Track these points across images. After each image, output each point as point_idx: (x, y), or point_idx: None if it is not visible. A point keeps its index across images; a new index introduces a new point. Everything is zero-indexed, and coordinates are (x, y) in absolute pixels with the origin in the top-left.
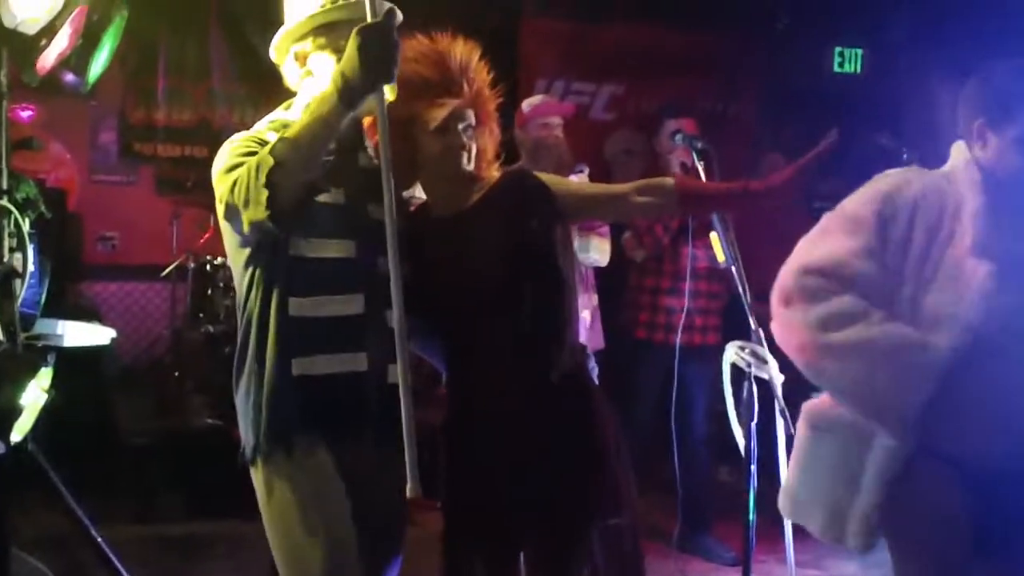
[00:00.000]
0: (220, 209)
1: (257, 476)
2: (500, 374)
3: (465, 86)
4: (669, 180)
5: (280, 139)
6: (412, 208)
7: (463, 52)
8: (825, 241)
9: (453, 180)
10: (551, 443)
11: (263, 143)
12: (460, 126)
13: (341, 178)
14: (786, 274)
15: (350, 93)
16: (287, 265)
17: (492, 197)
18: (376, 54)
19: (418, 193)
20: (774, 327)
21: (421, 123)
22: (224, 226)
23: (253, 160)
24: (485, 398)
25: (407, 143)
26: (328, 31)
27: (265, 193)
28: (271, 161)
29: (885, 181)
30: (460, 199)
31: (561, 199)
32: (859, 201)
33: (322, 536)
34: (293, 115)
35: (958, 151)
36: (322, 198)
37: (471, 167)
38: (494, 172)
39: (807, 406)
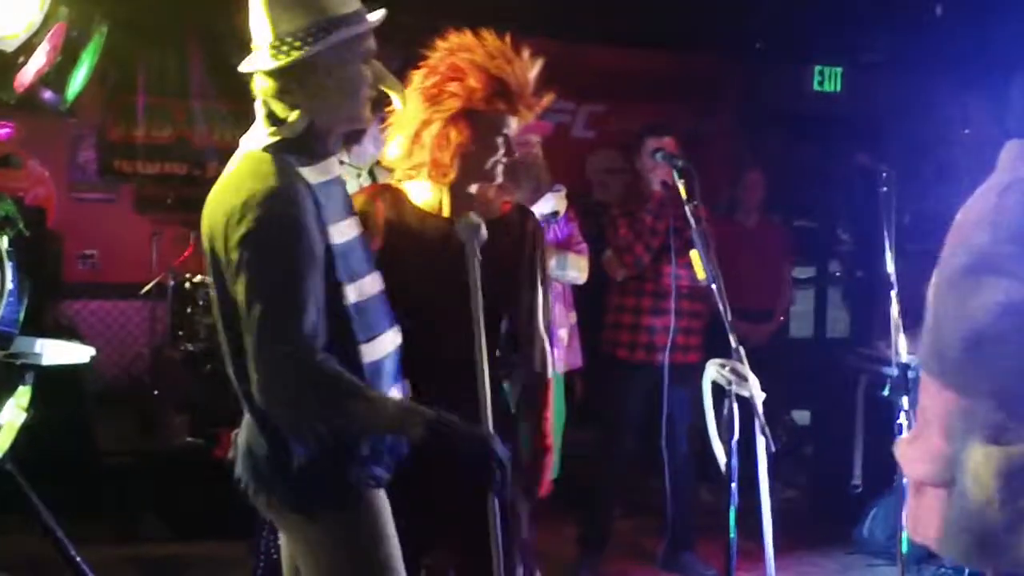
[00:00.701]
0: (239, 295)
1: (309, 526)
2: (464, 390)
3: (514, 109)
4: None
5: (350, 410)
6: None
7: (528, 71)
8: None
9: (465, 190)
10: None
11: (291, 217)
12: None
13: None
14: None
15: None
16: (343, 318)
17: (505, 222)
18: (470, 457)
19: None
20: None
21: (492, 125)
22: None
23: (318, 390)
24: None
25: (464, 135)
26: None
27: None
28: (338, 418)
29: None
30: (444, 206)
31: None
32: None
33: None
34: (295, 128)
35: None
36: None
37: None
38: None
39: None
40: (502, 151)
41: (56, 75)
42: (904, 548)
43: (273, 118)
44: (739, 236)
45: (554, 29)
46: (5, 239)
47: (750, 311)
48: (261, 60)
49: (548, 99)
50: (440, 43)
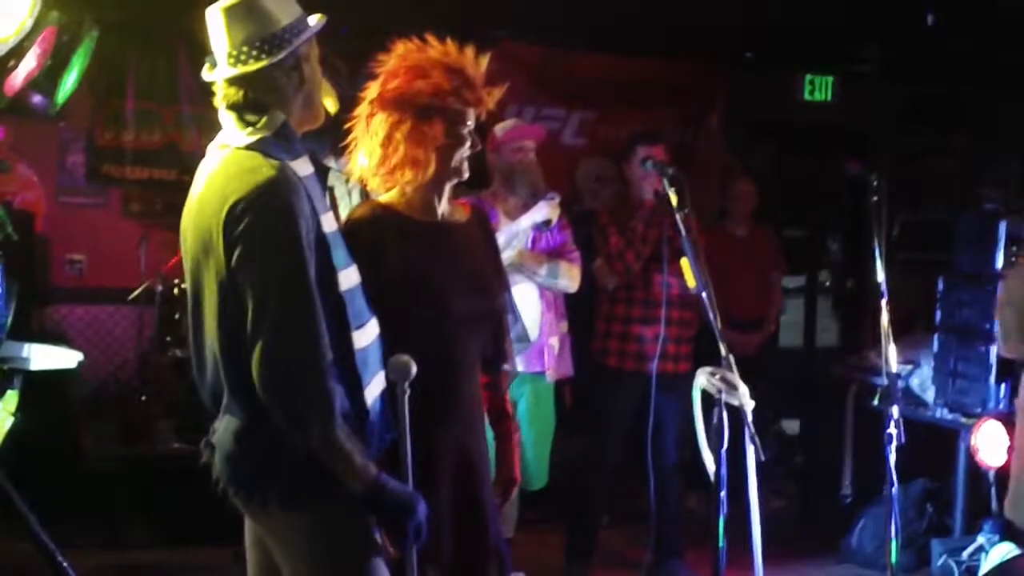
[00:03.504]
0: (245, 287)
1: (295, 522)
2: (465, 389)
3: (478, 99)
4: None
5: (326, 433)
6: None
7: (481, 65)
8: None
9: (443, 187)
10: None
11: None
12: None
13: None
14: None
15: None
16: (338, 304)
17: (473, 220)
18: (392, 521)
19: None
20: None
21: (459, 118)
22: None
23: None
24: (449, 410)
25: (437, 129)
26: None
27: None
28: (309, 432)
29: None
30: (434, 209)
31: None
32: None
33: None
34: (273, 124)
35: None
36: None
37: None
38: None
39: None
40: (468, 144)
41: (46, 79)
42: (893, 558)
43: (246, 121)
44: (729, 245)
45: (545, 36)
46: None
47: (739, 320)
48: (225, 70)
49: (501, 91)
50: (389, 52)
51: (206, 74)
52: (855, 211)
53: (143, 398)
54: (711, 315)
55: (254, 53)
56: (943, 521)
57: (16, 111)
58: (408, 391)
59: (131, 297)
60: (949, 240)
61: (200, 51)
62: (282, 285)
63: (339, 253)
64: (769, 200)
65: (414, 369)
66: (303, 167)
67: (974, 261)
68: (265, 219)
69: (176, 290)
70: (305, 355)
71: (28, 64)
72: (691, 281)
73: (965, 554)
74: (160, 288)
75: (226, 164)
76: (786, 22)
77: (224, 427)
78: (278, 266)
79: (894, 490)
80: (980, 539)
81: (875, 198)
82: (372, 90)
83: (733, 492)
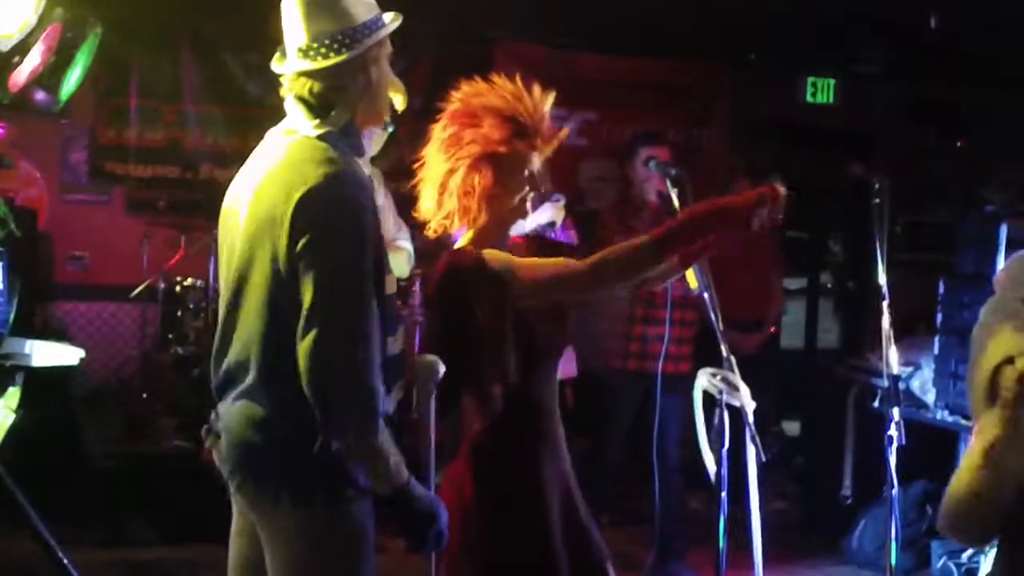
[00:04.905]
0: (306, 277)
1: (300, 518)
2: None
3: (531, 147)
4: (636, 240)
5: (366, 437)
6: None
7: (541, 107)
8: None
9: (503, 230)
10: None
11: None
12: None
13: None
14: None
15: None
16: (385, 306)
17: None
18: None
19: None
20: None
21: (514, 164)
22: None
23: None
24: (551, 453)
25: (487, 179)
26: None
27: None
28: (348, 435)
29: None
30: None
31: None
32: None
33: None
34: (339, 121)
35: None
36: None
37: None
38: None
39: None
40: (527, 188)
41: (50, 76)
42: (893, 560)
43: (312, 113)
44: (729, 245)
45: (547, 36)
46: None
47: (740, 321)
48: (295, 63)
49: (564, 133)
50: (453, 93)
51: (275, 65)
52: (857, 213)
53: (145, 395)
54: (713, 316)
55: (323, 50)
56: None
57: (19, 108)
58: (435, 391)
59: (133, 294)
60: (951, 242)
61: (202, 49)
62: (345, 279)
63: (386, 256)
64: None
65: (441, 369)
66: (364, 167)
67: (975, 263)
68: (336, 211)
69: (179, 287)
70: (359, 352)
71: (32, 61)
72: (693, 282)
73: (964, 556)
74: (163, 285)
75: (294, 151)
76: (789, 24)
77: (239, 413)
78: (344, 259)
79: (894, 492)
80: None
81: (877, 200)
82: (436, 131)
83: (734, 493)
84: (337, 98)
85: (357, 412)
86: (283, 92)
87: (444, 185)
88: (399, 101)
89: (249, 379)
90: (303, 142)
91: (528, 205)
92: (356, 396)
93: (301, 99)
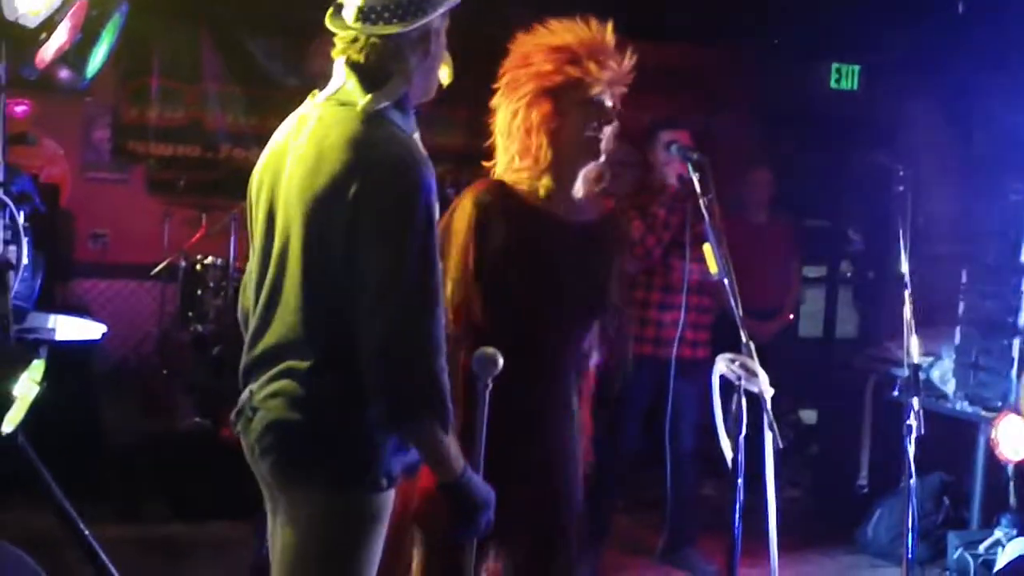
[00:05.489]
0: (375, 254)
1: (328, 501)
2: (552, 390)
3: (586, 71)
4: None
5: (424, 424)
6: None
7: (598, 36)
8: None
9: (571, 172)
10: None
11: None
12: (607, 106)
13: None
14: None
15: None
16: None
17: (602, 222)
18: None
19: None
20: None
21: (573, 94)
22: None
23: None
24: (533, 408)
25: (544, 110)
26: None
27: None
28: (411, 423)
29: None
30: (574, 207)
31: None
32: None
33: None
34: (394, 94)
35: None
36: None
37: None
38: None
39: None
40: (594, 121)
41: (76, 53)
42: (910, 551)
43: (367, 82)
44: (747, 233)
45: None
46: (22, 215)
47: (756, 308)
48: (361, 25)
49: (628, 59)
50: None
51: (329, 21)
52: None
53: (163, 373)
54: (732, 301)
55: (386, 15)
56: (959, 514)
57: (43, 86)
58: (490, 385)
59: (153, 272)
60: (973, 232)
61: (223, 30)
62: (418, 263)
63: None
64: (792, 189)
65: (500, 362)
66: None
67: (998, 253)
68: (408, 192)
69: (199, 266)
70: (433, 338)
71: (59, 37)
72: (713, 266)
73: (982, 547)
74: (183, 264)
75: (350, 122)
76: (813, 9)
77: (279, 391)
78: (417, 243)
79: (912, 482)
80: (997, 533)
81: (900, 188)
82: (500, 91)
83: (749, 480)
84: (393, 69)
85: (426, 400)
86: (334, 53)
87: (508, 131)
88: (445, 75)
89: (294, 359)
90: (358, 115)
91: (601, 144)
92: (431, 382)
93: (356, 65)
